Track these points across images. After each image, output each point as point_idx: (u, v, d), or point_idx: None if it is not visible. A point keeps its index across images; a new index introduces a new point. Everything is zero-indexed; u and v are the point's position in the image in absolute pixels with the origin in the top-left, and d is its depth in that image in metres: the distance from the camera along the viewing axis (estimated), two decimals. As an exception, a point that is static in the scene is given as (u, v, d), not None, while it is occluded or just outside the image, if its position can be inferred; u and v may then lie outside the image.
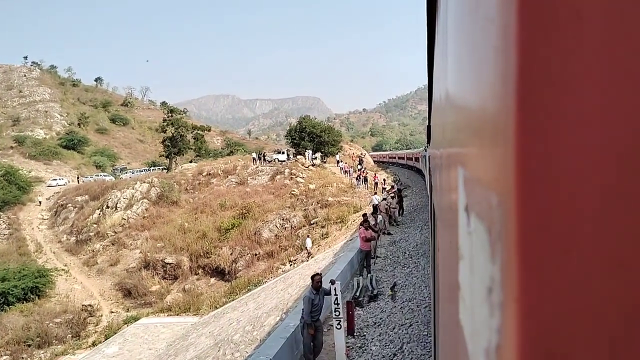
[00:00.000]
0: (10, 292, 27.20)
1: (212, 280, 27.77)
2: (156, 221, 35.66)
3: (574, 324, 0.30)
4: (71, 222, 41.66)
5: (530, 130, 0.31)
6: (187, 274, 28.73)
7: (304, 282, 14.25)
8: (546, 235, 0.31)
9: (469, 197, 0.61)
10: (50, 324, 24.79)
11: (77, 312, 25.60)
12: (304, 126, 49.26)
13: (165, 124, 50.89)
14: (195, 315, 21.20)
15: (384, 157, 70.63)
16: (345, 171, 37.55)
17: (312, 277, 7.61)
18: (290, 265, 24.46)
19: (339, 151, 49.62)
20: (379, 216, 17.34)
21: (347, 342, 7.83)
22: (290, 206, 31.05)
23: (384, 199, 17.89)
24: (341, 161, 40.95)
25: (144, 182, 40.17)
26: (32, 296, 28.00)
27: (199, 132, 53.85)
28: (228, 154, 64.13)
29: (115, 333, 21.29)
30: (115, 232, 36.21)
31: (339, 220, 26.63)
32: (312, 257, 21.39)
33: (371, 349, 7.73)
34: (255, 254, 27.25)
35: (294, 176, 36.59)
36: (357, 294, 9.60)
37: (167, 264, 29.61)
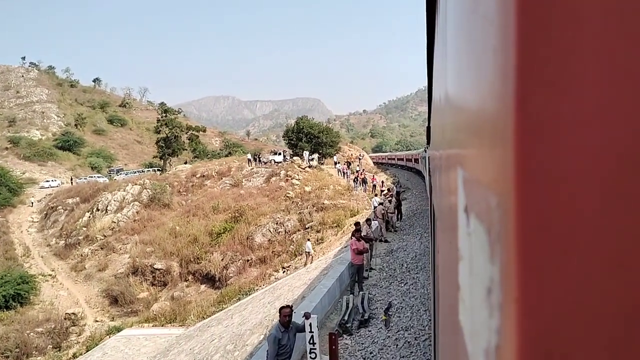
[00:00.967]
0: (-10, 300, 26.02)
1: (203, 287, 26.52)
2: (147, 224, 34.44)
3: (574, 324, 0.30)
4: (61, 225, 40.45)
5: (530, 130, 0.31)
6: (176, 281, 27.48)
7: (292, 295, 13.03)
8: (545, 235, 0.31)
9: (468, 198, 0.62)
10: (31, 334, 23.56)
11: (60, 321, 24.37)
12: (301, 127, 48.14)
13: (159, 124, 49.66)
14: (181, 326, 19.97)
15: (382, 159, 69.45)
16: (344, 173, 36.28)
17: (280, 310, 6.06)
18: (284, 272, 23.26)
19: (337, 152, 48.43)
20: (374, 221, 16.12)
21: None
22: (285, 209, 29.80)
23: (381, 203, 16.64)
24: (339, 162, 39.64)
25: (136, 184, 38.94)
26: (13, 304, 26.78)
27: (193, 132, 52.59)
28: (226, 155, 63.07)
29: (96, 345, 20.08)
30: (105, 236, 35.01)
31: (335, 225, 25.40)
32: (312, 261, 20.16)
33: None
34: (247, 260, 26.01)
35: (289, 178, 35.36)
36: (346, 317, 8.29)
37: (156, 269, 28.37)
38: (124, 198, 38.00)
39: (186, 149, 53.10)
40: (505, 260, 0.35)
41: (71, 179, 60.41)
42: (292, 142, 47.88)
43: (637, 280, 0.28)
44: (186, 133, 51.42)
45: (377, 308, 8.94)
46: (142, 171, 56.79)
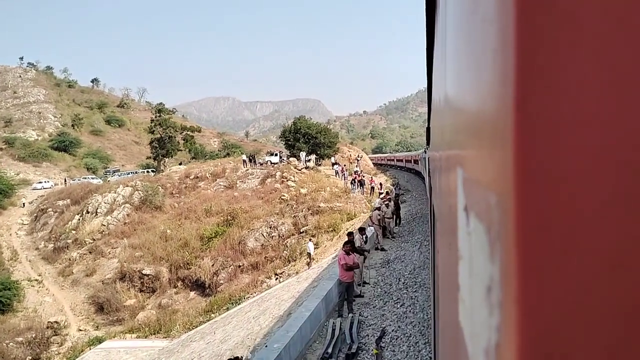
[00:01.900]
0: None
1: (192, 294, 25.34)
2: (137, 228, 33.24)
3: (574, 324, 0.30)
4: (50, 227, 39.29)
5: (529, 131, 0.31)
6: (165, 287, 26.30)
7: (277, 311, 11.84)
8: (545, 235, 0.31)
9: (468, 198, 0.62)
10: (11, 344, 22.40)
11: (42, 330, 23.19)
12: (299, 127, 46.88)
13: (152, 124, 48.40)
14: (165, 337, 18.79)
15: (382, 160, 68.29)
16: (342, 174, 34.84)
17: None
18: (276, 279, 22.06)
19: (335, 153, 47.19)
20: (370, 227, 14.91)
21: None
22: (279, 212, 28.59)
23: (378, 208, 15.40)
24: (337, 163, 38.36)
25: (127, 186, 37.75)
26: (-5, 311, 25.64)
27: (188, 133, 51.29)
28: (225, 156, 61.84)
29: (76, 357, 18.90)
30: (94, 240, 33.83)
31: (330, 229, 24.20)
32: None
33: None
34: (239, 266, 24.82)
35: (285, 180, 34.14)
36: (329, 350, 6.94)
37: (145, 275, 27.19)
38: (114, 200, 36.83)
39: (181, 150, 51.73)
40: (505, 260, 0.35)
41: (65, 180, 59.15)
42: (290, 142, 46.63)
43: (637, 281, 0.28)
44: (181, 133, 50.10)
45: (368, 335, 7.65)
46: (142, 172, 55.63)
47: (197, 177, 40.38)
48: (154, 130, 47.61)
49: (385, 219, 16.09)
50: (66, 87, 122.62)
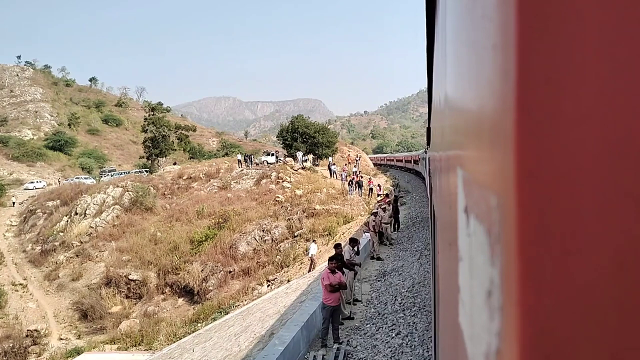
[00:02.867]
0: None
1: (180, 300, 24.02)
2: (127, 230, 31.93)
3: (575, 327, 0.30)
4: (38, 229, 37.99)
5: (530, 130, 0.31)
6: (152, 293, 24.99)
7: (260, 328, 10.55)
8: (546, 237, 0.31)
9: (468, 199, 0.62)
10: (-14, 354, 21.11)
11: (20, 339, 21.88)
12: (296, 126, 45.60)
13: (145, 123, 47.04)
14: (146, 350, 17.51)
15: (381, 160, 67.04)
16: (341, 175, 33.35)
17: None
18: (268, 286, 20.78)
19: (334, 153, 45.86)
20: (366, 234, 13.62)
21: None
22: (273, 215, 27.28)
23: (374, 213, 14.08)
24: (334, 164, 36.97)
25: (117, 187, 36.44)
26: (-27, 318, 24.35)
27: (183, 132, 49.91)
28: (223, 156, 60.57)
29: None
30: (82, 242, 32.52)
31: (326, 233, 22.89)
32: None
33: None
34: (230, 272, 23.52)
35: (280, 180, 32.84)
36: None
37: (132, 280, 25.88)
38: (104, 201, 35.53)
39: (175, 149, 50.36)
40: (506, 262, 0.35)
41: (59, 181, 57.83)
42: (287, 142, 45.36)
43: (638, 282, 0.28)
44: (175, 132, 48.74)
45: (356, 372, 6.41)
46: (130, 172, 54.29)
47: (191, 178, 39.09)
48: (147, 129, 46.25)
49: (383, 225, 14.80)
50: (64, 86, 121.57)
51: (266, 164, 39.61)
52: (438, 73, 2.19)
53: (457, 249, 0.73)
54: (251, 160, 41.02)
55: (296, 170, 34.79)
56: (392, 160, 60.39)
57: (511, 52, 0.32)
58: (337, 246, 9.24)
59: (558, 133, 0.30)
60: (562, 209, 0.30)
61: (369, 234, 13.47)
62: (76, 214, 35.68)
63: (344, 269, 7.96)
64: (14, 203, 46.56)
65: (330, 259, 7.75)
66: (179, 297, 24.23)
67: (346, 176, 30.96)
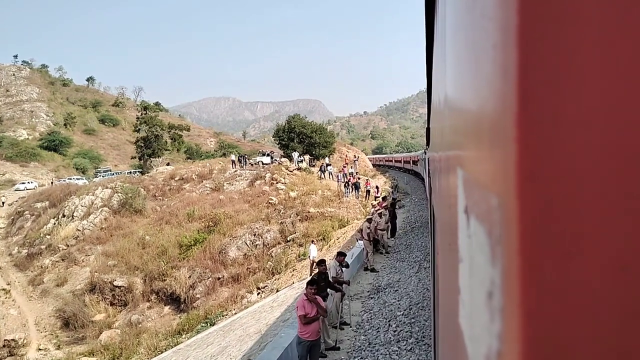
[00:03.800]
0: None
1: (166, 308, 22.79)
2: (114, 233, 30.72)
3: (577, 329, 0.29)
4: (25, 232, 36.77)
5: (531, 131, 0.31)
6: (138, 301, 23.75)
7: (238, 350, 9.36)
8: (548, 238, 0.30)
9: (468, 199, 0.61)
10: (-41, 366, 19.94)
11: (-4, 350, 20.68)
12: (293, 126, 44.40)
13: (138, 122, 45.77)
14: (125, 364, 16.34)
15: (380, 160, 65.89)
16: (337, 175, 32.02)
17: None
18: (258, 294, 19.58)
19: (331, 154, 44.61)
20: (360, 242, 12.41)
21: None
22: (265, 218, 26.07)
23: (369, 219, 12.84)
24: (330, 165, 35.65)
25: (106, 188, 35.22)
26: (-52, 327, 23.10)
27: (176, 131, 48.62)
28: (221, 156, 59.39)
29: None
30: (68, 246, 31.29)
31: (320, 238, 21.66)
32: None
33: None
34: (218, 278, 22.29)
35: (274, 182, 31.61)
36: None
37: (117, 287, 24.64)
38: (92, 203, 34.32)
39: (168, 149, 49.06)
40: (507, 263, 0.34)
41: (52, 182, 56.53)
42: (284, 142, 44.15)
43: None
44: (168, 132, 47.47)
45: None
46: (121, 173, 53.05)
47: (183, 179, 37.87)
48: (139, 129, 44.97)
49: (379, 231, 13.60)
50: (60, 86, 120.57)
51: (261, 165, 38.39)
52: (437, 73, 2.19)
53: (457, 249, 0.72)
54: (246, 161, 39.80)
55: (291, 171, 33.56)
56: (391, 160, 59.38)
57: (512, 51, 0.32)
58: (321, 262, 7.83)
59: (559, 133, 0.30)
60: (564, 210, 0.30)
61: (362, 242, 12.25)
62: (64, 216, 34.49)
63: (329, 289, 6.72)
64: (3, 203, 45.41)
65: (310, 283, 6.38)
66: (165, 305, 23.01)
67: (342, 177, 29.70)
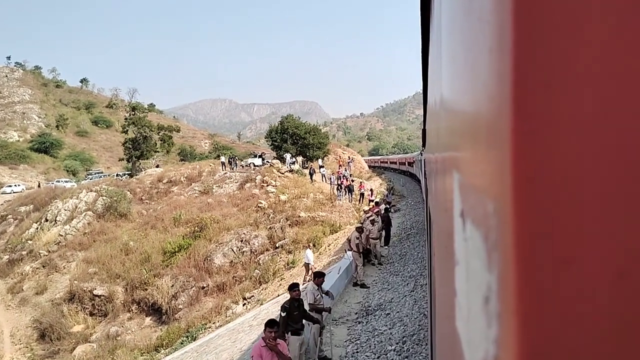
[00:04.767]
0: None
1: (148, 320, 21.53)
2: (97, 238, 29.41)
3: (573, 335, 0.29)
4: (8, 237, 35.38)
5: (527, 133, 0.31)
6: (118, 311, 22.48)
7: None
8: (544, 242, 0.30)
9: (464, 203, 0.61)
10: None
11: (-35, 365, 19.39)
12: (286, 127, 43.23)
13: (126, 123, 44.48)
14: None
15: (376, 162, 64.78)
16: (330, 178, 30.82)
17: None
18: (244, 305, 18.35)
19: (325, 155, 43.43)
20: (349, 252, 11.19)
21: None
22: (254, 223, 24.83)
23: (359, 228, 11.60)
24: (323, 166, 34.45)
25: (91, 191, 33.90)
26: None
27: (166, 133, 47.32)
28: (215, 158, 58.20)
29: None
30: (49, 252, 29.95)
31: (310, 244, 20.42)
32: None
33: None
34: (203, 287, 21.05)
35: (265, 184, 30.39)
36: None
37: (97, 296, 23.37)
38: (76, 207, 32.98)
39: (158, 151, 47.73)
40: (503, 268, 0.34)
41: (39, 184, 55.00)
42: (277, 143, 42.97)
43: (638, 289, 0.28)
44: (158, 133, 46.19)
45: None
46: (107, 175, 51.62)
47: (171, 181, 36.60)
48: (127, 130, 43.68)
49: (371, 240, 12.39)
50: (54, 87, 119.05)
51: (252, 167, 37.17)
52: (433, 75, 2.13)
53: (453, 253, 0.71)
54: (236, 163, 38.54)
55: (283, 174, 32.34)
56: (387, 162, 58.31)
57: (507, 54, 0.32)
58: (293, 287, 6.42)
59: (555, 137, 0.30)
60: (560, 214, 0.30)
61: (351, 254, 11.02)
62: (47, 220, 33.16)
63: (304, 320, 5.50)
64: (-12, 205, 43.96)
65: (269, 324, 5.09)
66: (146, 316, 21.74)
67: (336, 179, 28.51)
